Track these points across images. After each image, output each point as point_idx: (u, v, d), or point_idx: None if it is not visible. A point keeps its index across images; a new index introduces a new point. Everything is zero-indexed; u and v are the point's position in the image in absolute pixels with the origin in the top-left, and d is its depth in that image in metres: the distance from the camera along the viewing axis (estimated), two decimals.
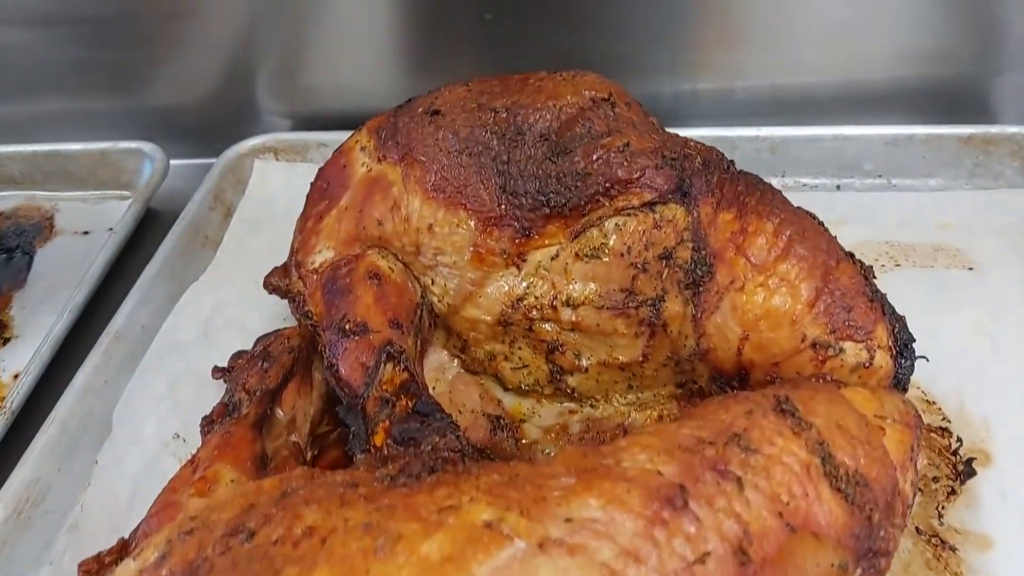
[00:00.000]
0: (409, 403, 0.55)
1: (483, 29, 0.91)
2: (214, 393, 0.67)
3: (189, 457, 0.62)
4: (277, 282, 0.64)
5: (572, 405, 0.62)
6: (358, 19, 0.93)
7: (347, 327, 0.57)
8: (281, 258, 0.80)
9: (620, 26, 0.87)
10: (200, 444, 0.59)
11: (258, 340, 0.67)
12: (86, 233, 0.85)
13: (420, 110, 0.62)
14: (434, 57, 0.95)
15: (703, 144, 0.59)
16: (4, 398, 0.66)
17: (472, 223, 0.58)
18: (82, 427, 0.65)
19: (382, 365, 0.56)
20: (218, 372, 0.67)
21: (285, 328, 0.67)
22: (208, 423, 0.61)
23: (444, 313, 0.61)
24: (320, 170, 0.66)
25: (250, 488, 0.43)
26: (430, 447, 0.49)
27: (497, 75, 0.63)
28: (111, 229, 0.85)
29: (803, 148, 0.81)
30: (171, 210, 0.85)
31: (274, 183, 0.85)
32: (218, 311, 0.72)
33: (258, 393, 0.61)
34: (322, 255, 0.62)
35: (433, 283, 0.61)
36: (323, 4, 0.92)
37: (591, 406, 0.62)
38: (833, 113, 0.86)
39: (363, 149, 0.64)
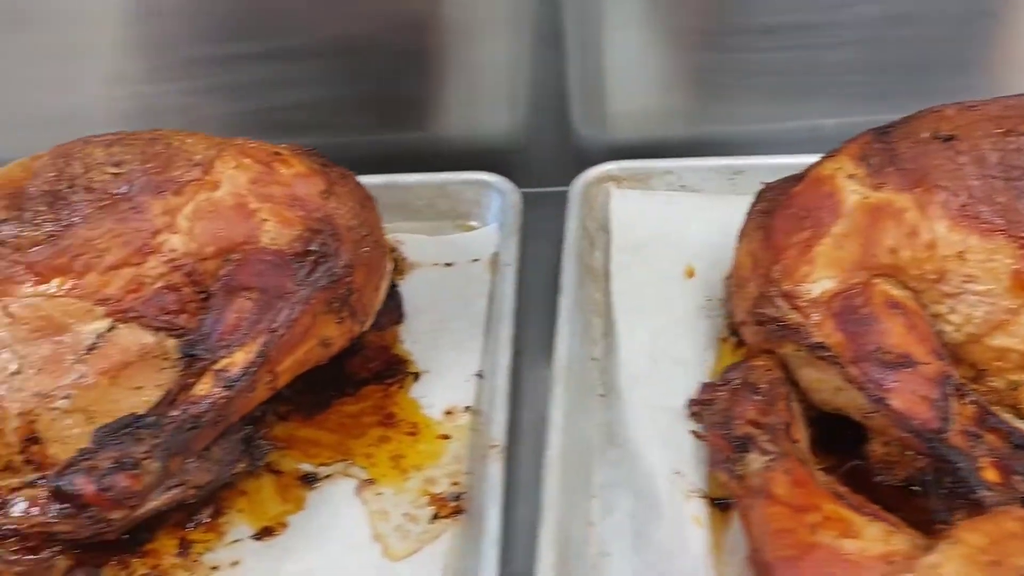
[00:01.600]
0: (998, 436, 0.54)
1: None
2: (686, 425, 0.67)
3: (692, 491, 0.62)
4: (772, 313, 0.63)
5: None
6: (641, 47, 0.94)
7: (887, 359, 0.57)
8: (669, 285, 0.80)
9: None
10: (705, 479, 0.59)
11: (728, 370, 0.66)
12: (448, 265, 0.85)
13: (924, 135, 0.62)
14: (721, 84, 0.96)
15: None
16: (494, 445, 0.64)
17: (1011, 248, 0.58)
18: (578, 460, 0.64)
19: (950, 398, 0.55)
20: (696, 405, 0.66)
21: (755, 360, 0.66)
22: (721, 463, 0.60)
23: (958, 342, 0.60)
24: (790, 198, 0.65)
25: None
26: None
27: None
28: (476, 260, 0.84)
29: None
30: (525, 239, 0.85)
31: (634, 211, 0.85)
32: (654, 341, 0.72)
33: (776, 427, 0.60)
34: (820, 284, 0.62)
35: (952, 311, 0.60)
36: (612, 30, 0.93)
37: None
38: None
39: (851, 177, 0.63)
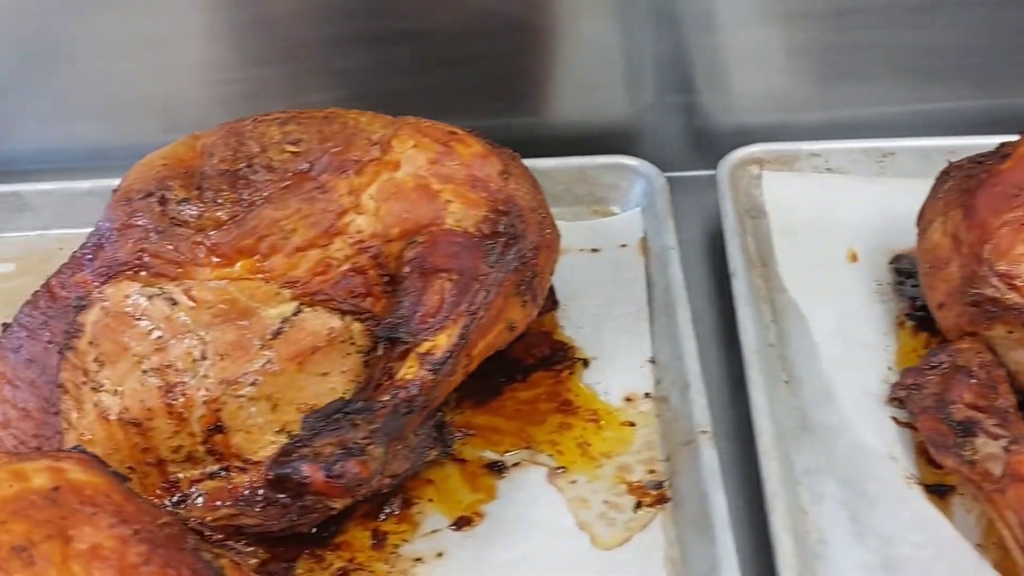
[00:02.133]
0: None
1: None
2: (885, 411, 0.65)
3: (910, 477, 0.60)
4: (989, 293, 0.61)
5: None
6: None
7: None
8: (836, 269, 0.78)
9: None
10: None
11: (932, 354, 0.64)
12: (595, 250, 0.83)
13: None
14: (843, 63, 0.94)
15: None
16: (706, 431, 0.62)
17: None
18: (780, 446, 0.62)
19: None
20: (901, 390, 0.64)
21: (960, 342, 0.64)
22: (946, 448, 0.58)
23: None
24: (996, 176, 0.64)
25: None
26: None
27: None
28: (623, 245, 0.82)
29: None
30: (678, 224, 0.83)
31: (788, 193, 0.83)
32: (841, 325, 0.70)
33: (1005, 410, 0.59)
34: None
35: None
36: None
37: None
38: None
39: None
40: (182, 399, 0.60)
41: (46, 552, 0.44)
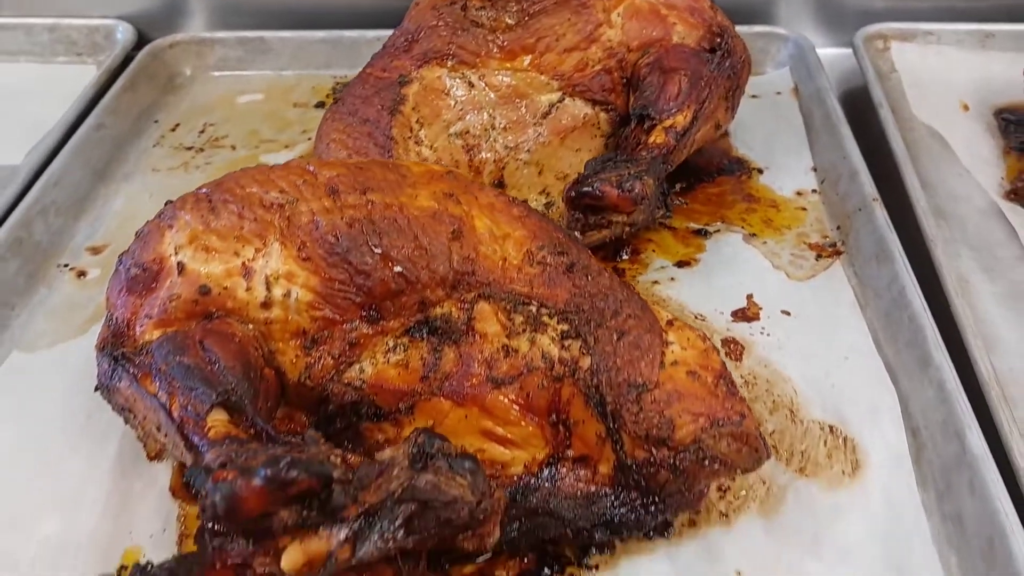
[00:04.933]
0: None
1: None
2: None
3: None
4: None
5: None
6: None
7: None
8: (950, 113, 0.97)
9: None
10: None
11: None
12: (754, 96, 1.01)
13: None
14: None
15: None
16: None
17: None
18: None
19: None
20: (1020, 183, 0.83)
21: None
22: None
23: None
24: None
25: None
26: None
27: None
28: (779, 92, 1.01)
29: None
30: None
31: (912, 59, 1.03)
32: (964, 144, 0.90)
33: None
34: None
35: None
36: None
37: None
38: None
39: None
40: (479, 156, 0.79)
41: (465, 199, 0.63)
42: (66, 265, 0.83)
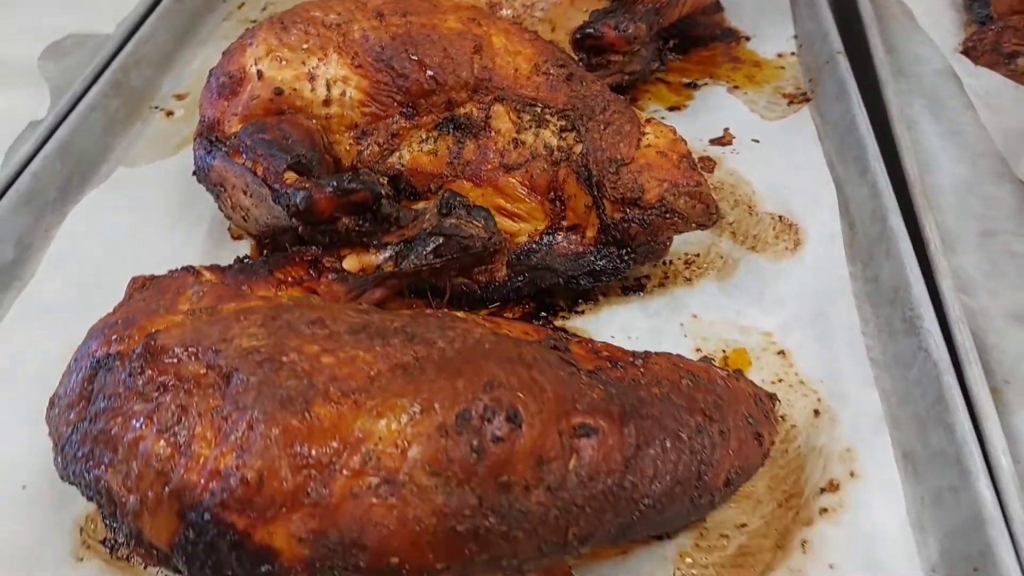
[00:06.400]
0: None
1: None
2: None
3: None
4: None
5: None
6: None
7: None
8: None
9: None
10: None
11: (988, 23, 0.96)
12: None
13: None
14: None
15: None
16: None
17: None
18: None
19: None
20: (970, 43, 0.96)
21: (1010, 18, 0.95)
22: (1000, 64, 0.90)
23: None
24: None
25: None
26: None
27: None
28: None
29: None
30: None
31: None
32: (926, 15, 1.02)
33: None
34: None
35: None
36: None
37: None
38: None
39: None
40: (499, 12, 0.94)
41: (486, 23, 0.77)
42: (157, 107, 1.00)
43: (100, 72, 0.99)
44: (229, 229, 0.83)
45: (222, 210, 0.79)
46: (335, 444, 0.42)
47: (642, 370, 0.54)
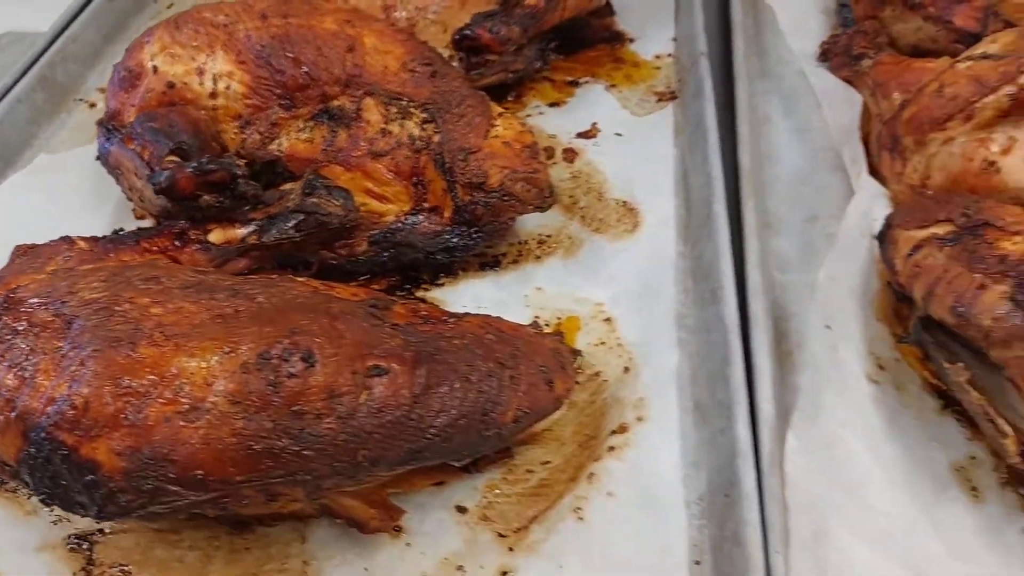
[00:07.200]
0: None
1: None
2: None
3: None
4: None
5: None
6: None
7: None
8: None
9: None
10: None
11: (845, 28, 1.05)
12: None
13: None
14: None
15: None
16: None
17: None
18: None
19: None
20: (826, 45, 1.05)
21: (864, 23, 1.05)
22: (848, 66, 0.99)
23: None
24: None
25: None
26: None
27: None
28: None
29: None
30: None
31: None
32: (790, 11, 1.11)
33: (880, 43, 0.99)
34: None
35: None
36: None
37: None
38: None
39: None
40: (393, 15, 1.02)
41: (360, 24, 0.86)
42: (81, 99, 1.09)
43: (28, 67, 1.07)
44: (133, 210, 0.91)
45: (123, 192, 0.87)
46: (153, 377, 0.51)
47: (452, 326, 0.63)
